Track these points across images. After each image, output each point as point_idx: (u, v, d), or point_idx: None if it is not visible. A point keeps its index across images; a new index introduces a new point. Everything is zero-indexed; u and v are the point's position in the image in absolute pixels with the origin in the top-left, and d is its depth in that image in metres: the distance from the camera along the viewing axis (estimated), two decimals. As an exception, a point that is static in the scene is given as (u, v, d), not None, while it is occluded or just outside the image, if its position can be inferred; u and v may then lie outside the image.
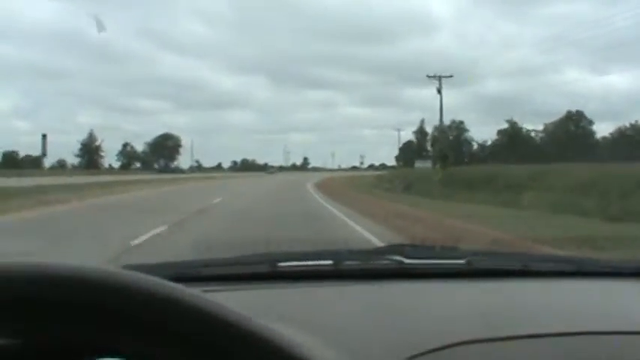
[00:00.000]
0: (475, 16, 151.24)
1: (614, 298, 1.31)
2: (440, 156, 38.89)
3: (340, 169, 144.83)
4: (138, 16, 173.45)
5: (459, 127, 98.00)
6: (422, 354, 0.86)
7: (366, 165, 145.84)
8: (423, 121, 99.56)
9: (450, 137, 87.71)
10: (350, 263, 1.43)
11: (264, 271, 1.36)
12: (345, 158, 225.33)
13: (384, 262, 1.43)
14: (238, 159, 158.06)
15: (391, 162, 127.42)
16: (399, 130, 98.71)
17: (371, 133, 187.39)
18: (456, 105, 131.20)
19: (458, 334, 0.93)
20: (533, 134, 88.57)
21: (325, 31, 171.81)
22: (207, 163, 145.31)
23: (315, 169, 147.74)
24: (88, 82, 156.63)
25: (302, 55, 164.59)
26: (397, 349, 0.88)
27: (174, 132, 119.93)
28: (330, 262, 1.39)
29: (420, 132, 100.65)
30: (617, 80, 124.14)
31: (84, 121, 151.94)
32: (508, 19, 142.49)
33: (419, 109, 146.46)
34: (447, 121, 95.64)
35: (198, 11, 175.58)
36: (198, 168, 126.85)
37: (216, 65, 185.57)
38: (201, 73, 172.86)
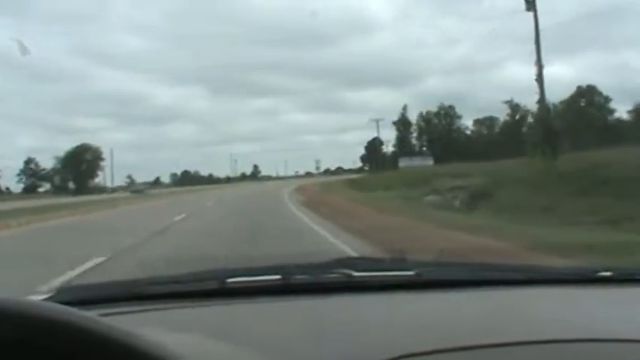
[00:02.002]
0: (415, 15, 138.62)
1: (563, 305, 1.28)
2: (544, 138, 20.72)
3: (297, 176, 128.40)
4: (69, 32, 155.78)
5: (448, 114, 78.53)
6: None
7: (321, 170, 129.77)
8: (405, 108, 79.89)
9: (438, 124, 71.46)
10: (298, 278, 1.40)
11: (211, 288, 1.33)
12: (295, 165, 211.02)
13: (332, 276, 1.40)
14: (181, 172, 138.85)
15: (348, 165, 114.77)
16: (377, 120, 76.54)
17: (319, 138, 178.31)
18: (399, 106, 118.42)
19: (406, 345, 0.93)
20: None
21: (263, 38, 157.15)
22: (145, 177, 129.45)
23: (269, 178, 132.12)
24: (22, 103, 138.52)
25: (241, 63, 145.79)
26: None
27: (116, 148, 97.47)
28: (278, 277, 1.36)
29: (403, 123, 78.88)
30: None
31: (20, 144, 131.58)
32: (448, 16, 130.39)
33: (365, 111, 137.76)
34: (433, 107, 77.69)
35: (131, 24, 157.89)
36: (130, 185, 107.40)
37: (154, 78, 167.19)
38: (138, 88, 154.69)
